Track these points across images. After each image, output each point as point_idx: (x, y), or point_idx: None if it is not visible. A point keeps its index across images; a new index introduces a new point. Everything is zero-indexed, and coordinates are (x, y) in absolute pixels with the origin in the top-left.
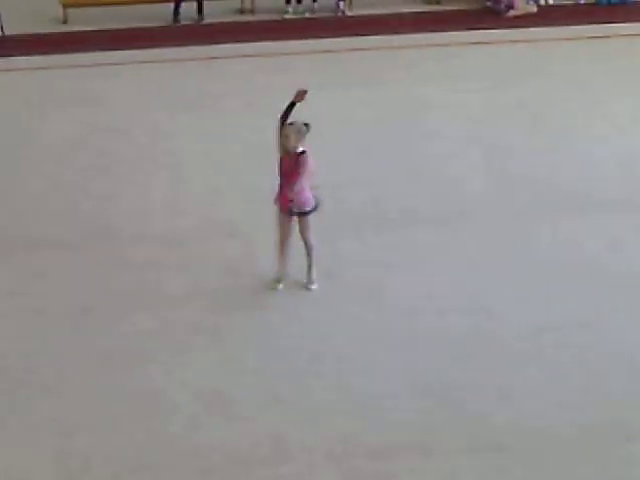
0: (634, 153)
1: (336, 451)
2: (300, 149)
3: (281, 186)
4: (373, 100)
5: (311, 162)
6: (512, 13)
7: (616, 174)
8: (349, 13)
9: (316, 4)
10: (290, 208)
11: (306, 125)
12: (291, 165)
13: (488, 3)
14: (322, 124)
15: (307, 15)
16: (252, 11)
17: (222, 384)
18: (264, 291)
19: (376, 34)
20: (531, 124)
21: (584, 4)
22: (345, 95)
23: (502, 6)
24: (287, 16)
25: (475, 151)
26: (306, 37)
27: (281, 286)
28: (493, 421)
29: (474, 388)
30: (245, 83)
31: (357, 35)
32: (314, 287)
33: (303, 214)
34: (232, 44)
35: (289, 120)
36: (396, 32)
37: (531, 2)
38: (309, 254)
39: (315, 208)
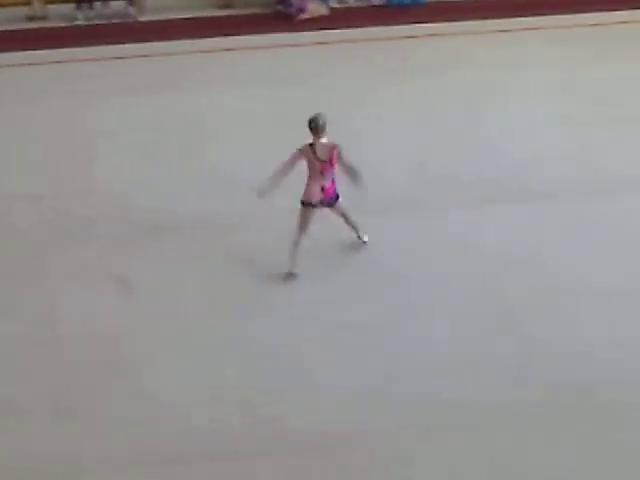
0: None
1: (131, 460)
2: (327, 141)
3: (313, 181)
4: (166, 105)
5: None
6: (304, 16)
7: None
8: (141, 18)
9: (107, 9)
10: (327, 199)
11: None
12: (324, 158)
13: (279, 7)
14: (113, 130)
15: (97, 21)
16: (43, 18)
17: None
18: None
19: (168, 39)
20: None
21: (376, 6)
22: (137, 101)
23: (293, 9)
24: (78, 22)
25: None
26: (96, 43)
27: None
28: (286, 424)
29: (270, 392)
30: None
31: (147, 41)
32: (366, 238)
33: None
34: (20, 52)
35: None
36: (189, 37)
37: (323, 4)
38: (353, 224)
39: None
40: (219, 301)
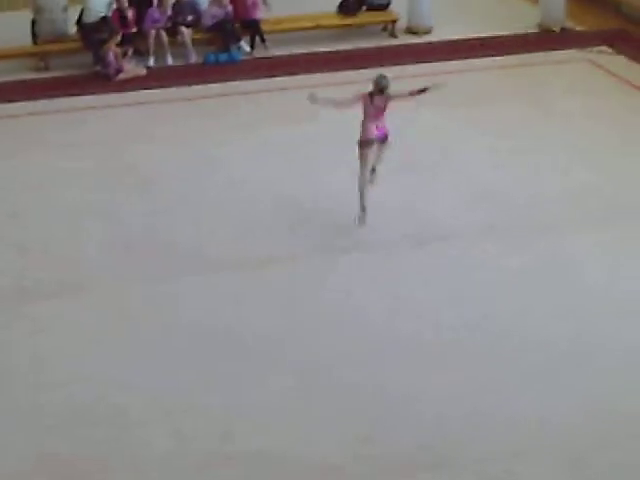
0: (246, 210)
1: None
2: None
3: (369, 122)
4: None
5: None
6: (121, 76)
7: (231, 235)
8: None
9: None
10: (381, 135)
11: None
12: (378, 105)
13: (97, 68)
14: None
15: None
16: None
17: None
18: None
19: None
20: (142, 188)
21: (192, 64)
22: None
23: (111, 70)
24: None
25: (89, 220)
26: None
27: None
28: None
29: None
30: None
31: None
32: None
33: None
34: None
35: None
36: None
37: (140, 64)
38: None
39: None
40: None
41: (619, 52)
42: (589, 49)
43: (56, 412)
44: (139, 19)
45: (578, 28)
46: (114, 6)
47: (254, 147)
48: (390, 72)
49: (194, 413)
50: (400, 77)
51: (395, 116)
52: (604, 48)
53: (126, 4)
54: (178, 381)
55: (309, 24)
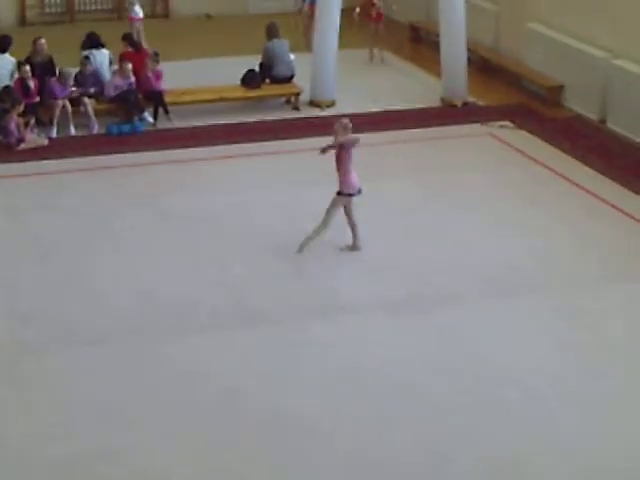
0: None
1: None
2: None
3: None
4: None
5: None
6: (23, 146)
7: (134, 304)
8: None
9: None
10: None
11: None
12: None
13: None
14: None
15: None
16: None
17: None
18: None
19: None
20: (43, 258)
21: (96, 135)
22: None
23: (13, 139)
24: None
25: None
26: None
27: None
28: None
29: None
30: None
31: None
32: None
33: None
34: None
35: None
36: None
37: (42, 135)
38: (354, 229)
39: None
40: None
41: (520, 126)
42: (491, 123)
43: None
44: (42, 89)
45: (480, 103)
46: (16, 75)
47: (153, 218)
48: (292, 145)
49: None
50: (302, 150)
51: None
52: (506, 122)
53: (29, 74)
54: None
55: (213, 96)
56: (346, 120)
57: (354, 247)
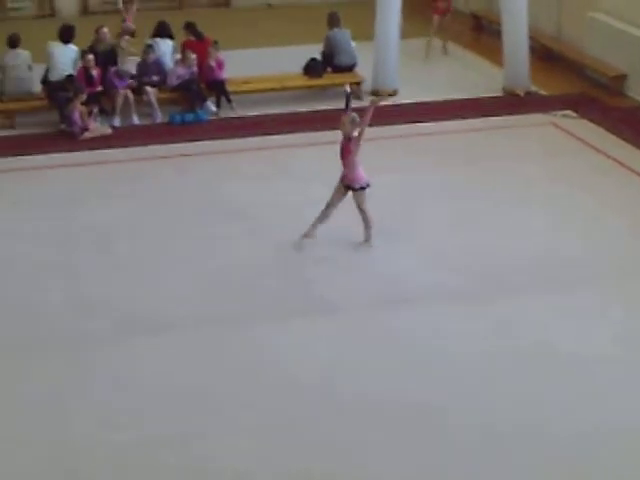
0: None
1: None
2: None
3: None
4: None
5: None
6: (86, 135)
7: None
8: None
9: None
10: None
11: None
12: (346, 147)
13: (62, 126)
14: None
15: None
16: None
17: None
18: None
19: None
20: (106, 247)
21: (159, 124)
22: None
23: (77, 128)
24: None
25: (51, 278)
26: None
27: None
28: None
29: None
30: None
31: None
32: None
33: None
34: None
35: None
36: None
37: (105, 124)
38: (365, 221)
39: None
40: None
41: (583, 116)
42: (553, 113)
43: None
44: (104, 78)
45: (542, 92)
46: (80, 64)
47: (217, 206)
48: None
49: None
50: (367, 139)
51: None
52: (568, 112)
53: (92, 63)
54: None
55: (275, 85)
56: (354, 114)
57: (366, 241)
